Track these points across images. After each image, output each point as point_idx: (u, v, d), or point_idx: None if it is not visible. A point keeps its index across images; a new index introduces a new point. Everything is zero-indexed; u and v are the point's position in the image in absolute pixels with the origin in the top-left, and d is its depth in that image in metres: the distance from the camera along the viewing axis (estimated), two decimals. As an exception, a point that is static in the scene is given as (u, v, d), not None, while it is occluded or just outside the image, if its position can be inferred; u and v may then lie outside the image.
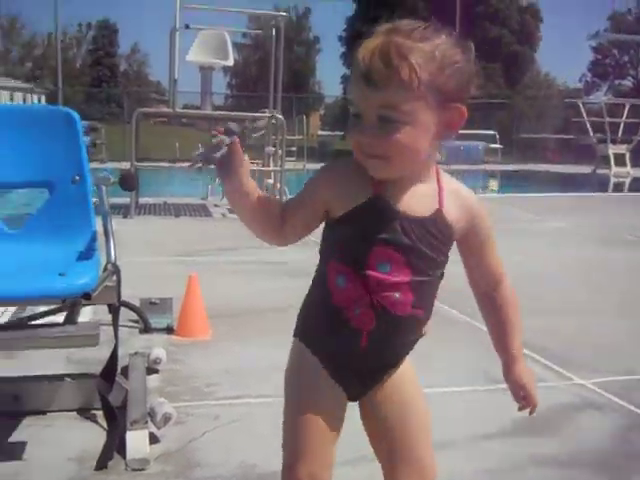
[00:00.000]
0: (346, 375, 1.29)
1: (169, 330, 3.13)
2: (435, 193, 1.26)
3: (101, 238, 2.16)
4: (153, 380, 2.53)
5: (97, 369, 2.20)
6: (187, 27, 8.32)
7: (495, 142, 27.99)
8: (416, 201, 1.24)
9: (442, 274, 1.29)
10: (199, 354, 2.87)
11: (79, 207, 2.21)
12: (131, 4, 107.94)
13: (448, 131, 1.23)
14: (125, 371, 2.47)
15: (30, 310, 2.76)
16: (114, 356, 2.16)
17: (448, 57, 1.18)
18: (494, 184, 18.39)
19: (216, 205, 8.51)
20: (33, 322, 2.07)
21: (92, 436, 2.09)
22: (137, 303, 3.19)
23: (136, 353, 2.60)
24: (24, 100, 53.42)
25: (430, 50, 1.16)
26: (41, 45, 68.18)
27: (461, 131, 1.25)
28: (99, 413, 2.19)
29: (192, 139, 18.21)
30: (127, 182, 2.20)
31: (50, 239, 2.17)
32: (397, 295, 1.23)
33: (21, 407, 2.23)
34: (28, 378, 2.31)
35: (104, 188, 2.29)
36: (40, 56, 67.74)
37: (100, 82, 53.05)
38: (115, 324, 2.17)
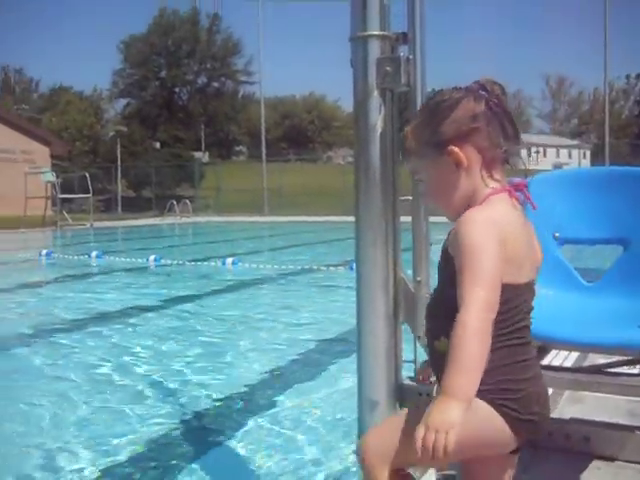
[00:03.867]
0: None
1: None
2: None
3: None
4: None
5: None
6: None
7: None
8: None
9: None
10: None
11: (654, 264, 2.27)
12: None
13: (458, 170, 1.44)
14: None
15: (590, 358, 2.92)
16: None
17: (434, 114, 1.49)
18: None
19: None
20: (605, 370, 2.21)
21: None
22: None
23: None
24: (569, 156, 55.31)
25: (419, 116, 1.58)
26: (587, 101, 69.72)
27: None
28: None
29: None
30: None
31: (624, 292, 2.28)
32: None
33: (590, 449, 2.38)
34: (598, 423, 2.45)
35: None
36: (586, 112, 69.28)
37: (647, 132, 51.29)
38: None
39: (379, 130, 2.57)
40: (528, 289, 1.45)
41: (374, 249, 2.61)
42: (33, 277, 10.24)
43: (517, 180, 1.48)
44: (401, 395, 2.67)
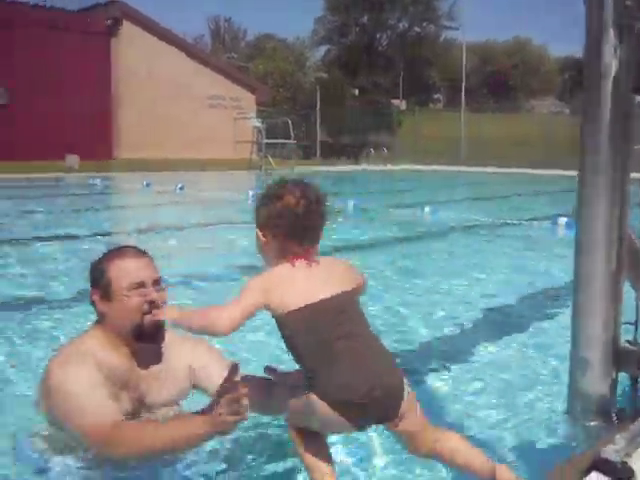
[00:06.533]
0: None
1: None
2: None
3: None
4: None
5: None
6: None
7: None
8: None
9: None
10: None
11: None
12: None
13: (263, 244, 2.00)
14: None
15: None
16: None
17: (260, 200, 2.01)
18: None
19: None
20: None
21: None
22: None
23: None
24: None
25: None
26: None
27: None
28: None
29: None
30: None
31: None
32: None
33: None
34: None
35: None
36: None
37: None
38: None
39: (613, 72, 2.37)
40: (317, 309, 1.83)
41: (598, 201, 2.44)
42: (245, 216, 10.95)
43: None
44: (618, 359, 2.51)
